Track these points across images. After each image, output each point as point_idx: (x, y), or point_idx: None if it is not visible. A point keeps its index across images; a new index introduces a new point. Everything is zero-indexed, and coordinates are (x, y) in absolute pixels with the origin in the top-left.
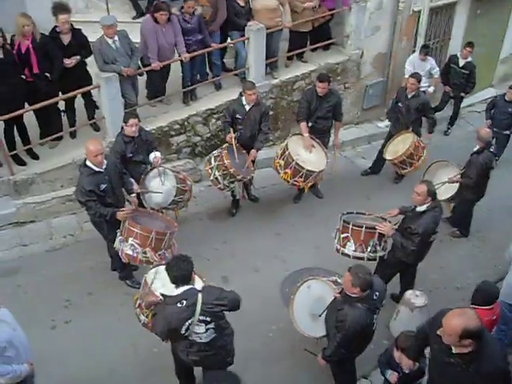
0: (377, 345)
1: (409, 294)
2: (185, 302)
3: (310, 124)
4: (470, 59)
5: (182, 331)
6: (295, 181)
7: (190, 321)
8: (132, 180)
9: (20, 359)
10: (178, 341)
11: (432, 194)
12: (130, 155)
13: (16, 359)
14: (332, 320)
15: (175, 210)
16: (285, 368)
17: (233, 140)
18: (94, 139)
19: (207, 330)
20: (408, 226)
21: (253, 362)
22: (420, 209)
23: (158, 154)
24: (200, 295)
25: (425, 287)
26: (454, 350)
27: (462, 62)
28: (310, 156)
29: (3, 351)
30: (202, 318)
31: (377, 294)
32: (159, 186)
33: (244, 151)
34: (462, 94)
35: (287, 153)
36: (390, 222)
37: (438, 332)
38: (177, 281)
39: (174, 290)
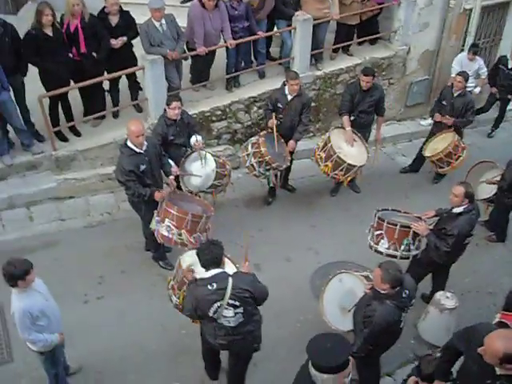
0: (403, 344)
1: (439, 295)
2: (215, 284)
3: (352, 118)
4: None
5: (210, 313)
6: (335, 174)
7: (218, 303)
8: (172, 162)
9: (51, 329)
10: (206, 323)
11: (469, 196)
12: (172, 138)
13: (47, 328)
14: (360, 315)
15: (213, 194)
16: None
17: (274, 126)
18: (135, 120)
19: (236, 314)
20: (443, 226)
21: (279, 350)
22: (456, 210)
23: (199, 137)
24: (231, 279)
25: (456, 289)
26: (498, 372)
27: (511, 64)
28: (351, 150)
29: (36, 320)
30: (231, 301)
31: (407, 292)
32: (199, 170)
33: (282, 140)
34: (509, 97)
35: (329, 145)
36: (425, 221)
37: (479, 350)
38: (207, 264)
39: (204, 274)
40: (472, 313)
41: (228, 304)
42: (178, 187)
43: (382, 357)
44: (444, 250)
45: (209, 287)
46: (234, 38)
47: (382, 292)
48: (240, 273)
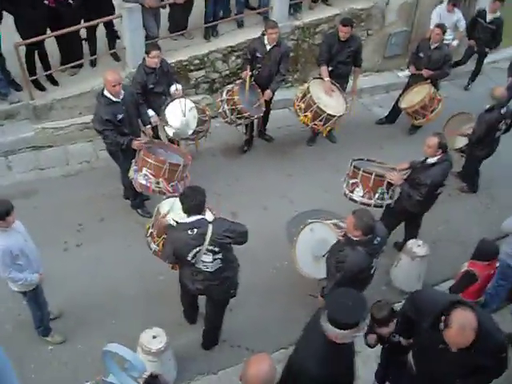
0: (375, 290)
1: (411, 243)
2: (196, 230)
3: (330, 68)
4: (498, 14)
5: (189, 257)
6: (314, 124)
7: (198, 248)
8: (152, 112)
9: (31, 268)
10: (184, 268)
11: (443, 146)
12: (151, 86)
13: (27, 268)
14: (333, 260)
15: (196, 141)
16: (283, 304)
17: (247, 77)
18: (112, 69)
19: (214, 260)
20: (417, 176)
21: (253, 296)
22: (430, 161)
23: (178, 86)
24: (211, 226)
25: (428, 238)
26: None
27: (489, 17)
28: (330, 100)
29: (15, 259)
30: (210, 247)
31: (378, 239)
32: (180, 117)
33: (259, 90)
34: (487, 50)
35: (308, 96)
36: (399, 172)
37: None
38: (190, 210)
39: (186, 219)
40: (443, 261)
41: (207, 250)
42: (157, 137)
43: None
44: (416, 199)
45: (189, 232)
46: None
47: (355, 239)
48: (219, 219)
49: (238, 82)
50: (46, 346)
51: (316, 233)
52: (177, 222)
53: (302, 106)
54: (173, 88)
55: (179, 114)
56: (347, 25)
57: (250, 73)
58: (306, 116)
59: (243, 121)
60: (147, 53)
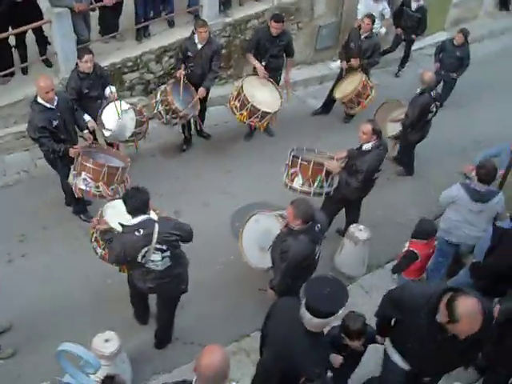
0: None
1: (353, 228)
2: (142, 230)
3: (263, 63)
4: (422, 3)
5: (139, 259)
6: (251, 121)
7: (146, 248)
8: (87, 117)
9: None
10: (134, 269)
11: (377, 132)
12: (86, 91)
13: None
14: (277, 251)
15: (135, 142)
16: (232, 298)
17: (182, 76)
18: (44, 76)
19: (163, 258)
20: (353, 163)
21: (202, 293)
22: (365, 147)
23: (113, 88)
24: (156, 225)
25: (369, 222)
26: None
27: (414, 6)
28: (265, 97)
29: None
30: (158, 246)
31: (318, 226)
32: (117, 120)
33: (193, 88)
34: (414, 37)
35: (242, 95)
36: (337, 160)
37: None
38: (134, 211)
39: (130, 221)
40: (384, 243)
41: (155, 249)
42: (95, 140)
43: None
44: (354, 186)
45: (136, 233)
46: None
47: (296, 228)
48: (164, 218)
49: (170, 81)
50: None
51: (261, 223)
52: (122, 225)
53: (237, 104)
54: (107, 91)
55: (115, 116)
56: (279, 21)
57: (183, 72)
58: (241, 114)
59: (179, 120)
60: (79, 57)
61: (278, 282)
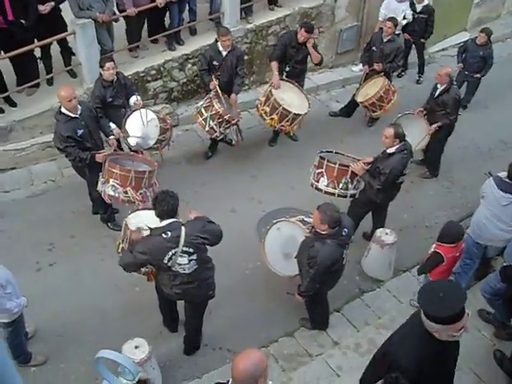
0: (349, 280)
1: (379, 231)
2: (170, 233)
3: (287, 68)
4: (426, 2)
5: (165, 261)
6: (282, 126)
7: (173, 251)
8: (113, 125)
9: (17, 294)
10: (161, 273)
11: (399, 136)
12: (110, 99)
13: (14, 294)
14: (304, 257)
15: (159, 150)
16: (260, 303)
17: (217, 87)
18: (65, 85)
19: (190, 261)
20: (377, 166)
21: (230, 298)
22: (389, 151)
23: (138, 97)
24: (183, 227)
25: (395, 226)
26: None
27: (419, 7)
28: (293, 100)
29: (5, 289)
30: (185, 249)
31: (345, 230)
32: (142, 128)
33: (226, 96)
34: (422, 40)
35: (272, 99)
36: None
37: None
38: (163, 215)
39: (159, 224)
40: (411, 246)
41: (182, 251)
42: (120, 148)
43: (330, 294)
44: (376, 188)
45: (163, 236)
46: None
47: (323, 232)
48: (192, 221)
49: (210, 95)
50: (28, 367)
51: (283, 231)
52: (150, 229)
53: (267, 109)
54: (133, 99)
55: (140, 124)
56: (309, 31)
57: (216, 82)
58: (272, 119)
59: (231, 129)
60: (101, 66)
61: (306, 287)
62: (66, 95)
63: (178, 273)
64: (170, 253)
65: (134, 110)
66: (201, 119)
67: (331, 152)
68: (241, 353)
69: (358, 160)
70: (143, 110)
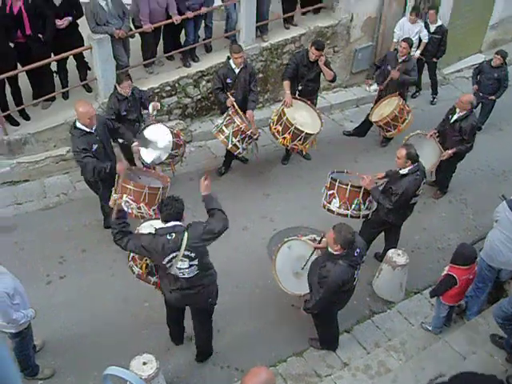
0: (359, 301)
1: (391, 252)
2: (174, 234)
3: (299, 87)
4: (440, 23)
5: (165, 262)
6: (294, 145)
7: (174, 254)
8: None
9: (25, 305)
10: (162, 277)
11: (411, 157)
12: (124, 113)
13: (22, 306)
14: (315, 276)
15: (172, 165)
16: (270, 322)
17: (234, 103)
18: (83, 101)
19: (190, 266)
20: (390, 186)
21: (239, 317)
22: (402, 172)
23: (153, 103)
24: (186, 232)
25: (407, 247)
26: None
27: (432, 28)
28: (305, 119)
29: (12, 299)
30: (186, 253)
31: (358, 250)
32: (156, 142)
33: (242, 113)
34: (435, 60)
35: (284, 118)
36: (376, 183)
37: None
38: (168, 217)
39: (164, 225)
40: (423, 268)
41: (184, 255)
42: (131, 163)
43: (340, 314)
44: (387, 208)
45: (168, 237)
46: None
47: (335, 253)
48: (194, 223)
49: (230, 113)
50: (35, 380)
51: (294, 250)
52: (156, 229)
53: (280, 128)
54: (150, 108)
55: (154, 139)
56: (321, 49)
57: (233, 99)
58: (284, 138)
59: (253, 144)
60: (118, 83)
61: (313, 306)
62: (84, 111)
63: (177, 277)
64: (171, 255)
65: (148, 125)
66: (223, 137)
67: (342, 172)
68: (249, 371)
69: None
70: (158, 125)
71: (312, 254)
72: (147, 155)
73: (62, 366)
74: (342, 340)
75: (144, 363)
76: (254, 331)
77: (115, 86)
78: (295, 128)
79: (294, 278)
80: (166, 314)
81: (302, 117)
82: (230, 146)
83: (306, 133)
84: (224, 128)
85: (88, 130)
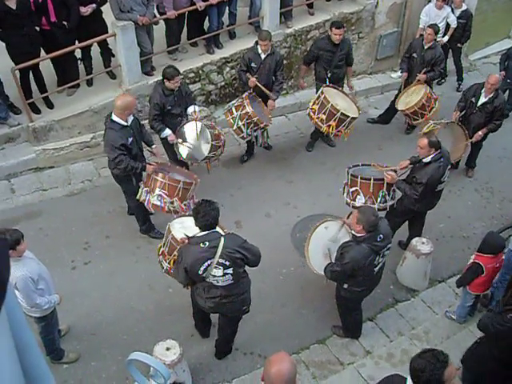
0: (383, 289)
1: (415, 241)
2: (208, 243)
3: (329, 74)
4: (465, 7)
5: (200, 271)
6: (338, 131)
7: (209, 261)
8: (168, 130)
9: (50, 291)
10: (197, 284)
11: (433, 144)
12: (169, 107)
13: (46, 291)
14: (339, 250)
15: (207, 164)
16: (292, 309)
17: (257, 83)
18: (124, 94)
19: (225, 274)
20: (414, 175)
21: (263, 304)
22: (425, 160)
23: (196, 107)
24: (223, 239)
25: (432, 235)
26: None
27: (457, 12)
28: (344, 104)
29: (37, 284)
30: (221, 260)
31: (381, 236)
32: (194, 141)
33: (260, 99)
34: (459, 45)
35: (329, 106)
36: (395, 171)
37: None
38: (204, 227)
39: (198, 233)
40: (447, 256)
41: (218, 263)
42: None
43: (364, 303)
44: (414, 198)
45: (201, 245)
46: None
47: (357, 235)
48: (232, 234)
49: (244, 96)
50: (60, 364)
51: (330, 231)
52: (189, 237)
53: (323, 117)
54: (190, 109)
55: (193, 137)
56: (340, 27)
57: (254, 79)
58: (329, 126)
59: (259, 131)
60: (169, 79)
61: (327, 271)
62: (124, 105)
63: (212, 285)
64: (206, 264)
65: (189, 120)
66: (230, 117)
67: (358, 165)
68: (270, 359)
69: (389, 169)
70: (199, 123)
71: (342, 227)
72: (184, 152)
73: (87, 351)
74: (365, 328)
75: (167, 349)
76: (277, 318)
77: (160, 82)
78: (341, 114)
79: (322, 258)
80: (190, 301)
81: (341, 102)
82: (234, 127)
83: (352, 117)
84: (233, 109)
85: (124, 123)
